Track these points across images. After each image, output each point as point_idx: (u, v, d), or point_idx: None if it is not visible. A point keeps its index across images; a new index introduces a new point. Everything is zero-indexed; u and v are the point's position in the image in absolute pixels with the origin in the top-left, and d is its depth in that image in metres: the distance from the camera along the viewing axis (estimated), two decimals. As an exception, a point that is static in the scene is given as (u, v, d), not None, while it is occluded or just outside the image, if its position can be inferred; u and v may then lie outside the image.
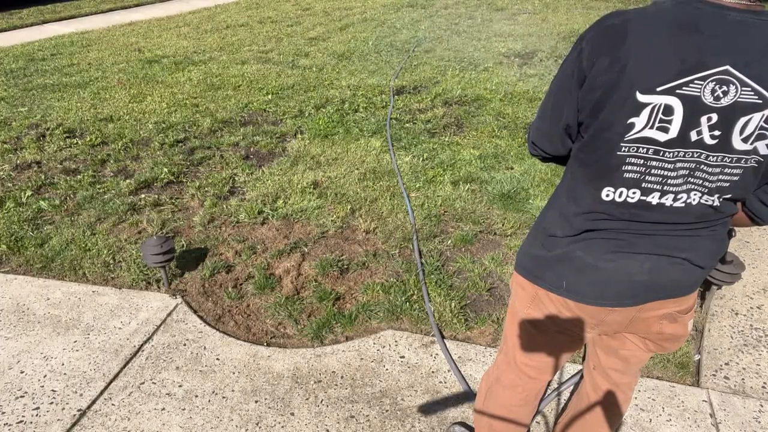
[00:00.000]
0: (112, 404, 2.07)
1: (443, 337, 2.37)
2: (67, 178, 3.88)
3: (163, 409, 2.04)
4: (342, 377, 2.17)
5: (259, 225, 3.27)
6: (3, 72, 6.57)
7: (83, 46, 7.91)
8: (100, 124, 4.86)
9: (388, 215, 3.31)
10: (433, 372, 2.19)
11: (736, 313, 2.46)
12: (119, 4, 11.70)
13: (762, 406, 2.00)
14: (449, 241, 3.05)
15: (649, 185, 1.10)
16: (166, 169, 3.92)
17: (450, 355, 2.25)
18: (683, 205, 1.11)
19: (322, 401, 2.06)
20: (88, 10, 11.01)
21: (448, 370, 2.19)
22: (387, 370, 2.21)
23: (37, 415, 2.02)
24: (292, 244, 3.06)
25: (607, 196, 1.14)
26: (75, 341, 2.38)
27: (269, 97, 5.53)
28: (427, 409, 2.02)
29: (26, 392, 2.12)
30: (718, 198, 1.12)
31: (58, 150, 4.35)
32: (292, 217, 3.33)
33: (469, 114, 4.93)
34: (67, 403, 2.07)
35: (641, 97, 1.03)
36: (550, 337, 1.37)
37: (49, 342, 2.38)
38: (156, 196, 3.61)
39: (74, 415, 2.02)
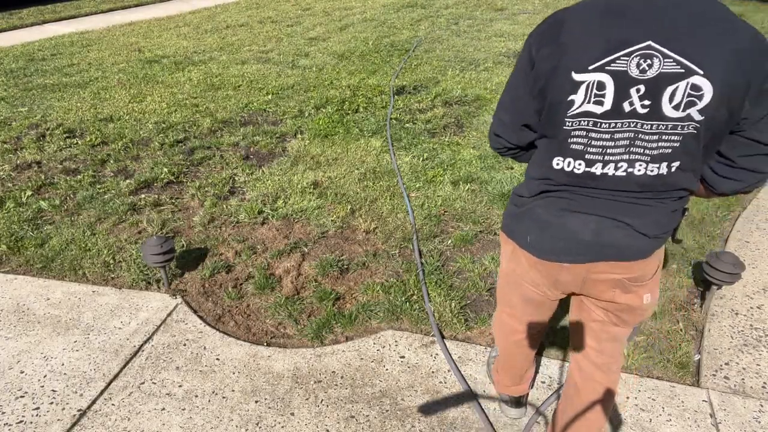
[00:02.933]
0: (112, 404, 2.07)
1: (443, 337, 2.37)
2: (67, 178, 3.88)
3: (163, 409, 2.04)
4: (342, 377, 2.17)
5: (259, 225, 3.27)
6: (3, 72, 6.57)
7: (83, 46, 7.92)
8: (100, 124, 4.86)
9: (388, 215, 3.31)
10: (433, 372, 2.19)
11: (736, 313, 2.46)
12: (119, 4, 11.71)
13: (762, 406, 2.00)
14: (449, 241, 3.05)
15: (592, 156, 1.23)
16: (166, 169, 3.92)
17: (450, 355, 2.25)
18: (624, 174, 1.23)
19: (322, 401, 2.06)
20: (88, 10, 11.01)
21: (448, 370, 2.19)
22: (387, 370, 2.20)
23: (37, 415, 2.02)
24: (292, 244, 3.06)
25: (558, 165, 1.29)
26: (75, 341, 2.38)
27: (269, 97, 5.53)
28: (427, 409, 2.02)
29: (26, 392, 2.12)
30: (666, 166, 1.21)
31: (58, 150, 4.35)
32: (292, 217, 3.33)
33: (469, 114, 4.93)
34: (67, 403, 2.07)
35: (576, 77, 1.17)
36: (524, 289, 1.55)
37: (49, 342, 2.38)
38: (156, 196, 3.61)
39: (74, 415, 2.02)
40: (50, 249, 3.04)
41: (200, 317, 2.54)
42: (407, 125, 4.69)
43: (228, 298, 2.67)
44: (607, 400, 1.60)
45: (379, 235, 3.12)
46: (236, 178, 3.84)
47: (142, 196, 3.62)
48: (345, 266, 2.87)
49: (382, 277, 2.78)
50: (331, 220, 3.27)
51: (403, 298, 2.59)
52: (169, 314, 2.54)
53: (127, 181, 3.81)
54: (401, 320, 2.49)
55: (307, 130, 4.63)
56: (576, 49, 1.17)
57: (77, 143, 4.47)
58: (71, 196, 3.64)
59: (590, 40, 1.16)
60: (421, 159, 4.02)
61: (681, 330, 2.38)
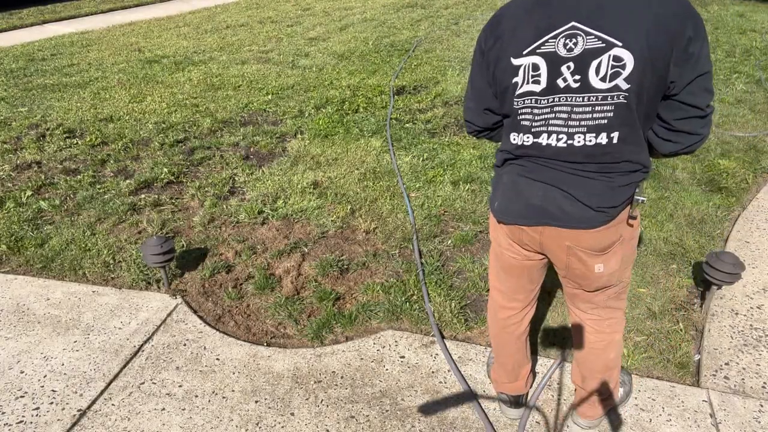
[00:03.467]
0: (112, 404, 2.07)
1: (443, 337, 2.37)
2: (67, 178, 3.88)
3: (163, 409, 2.04)
4: (342, 377, 2.17)
5: (259, 225, 3.27)
6: (3, 72, 6.57)
7: (83, 46, 7.91)
8: (100, 124, 4.86)
9: (388, 215, 3.31)
10: (433, 372, 2.19)
11: (736, 313, 2.46)
12: (119, 4, 11.70)
13: (762, 406, 2.00)
14: (449, 241, 3.05)
15: (537, 129, 1.38)
16: (166, 169, 3.93)
17: (450, 355, 2.25)
18: (565, 145, 1.35)
19: (322, 401, 2.06)
20: (88, 10, 11.01)
21: (448, 370, 2.19)
22: (387, 370, 2.21)
23: (37, 415, 2.02)
24: (292, 244, 3.06)
25: (514, 140, 1.45)
26: (75, 341, 2.38)
27: (269, 97, 5.53)
28: (427, 409, 2.02)
29: (26, 392, 2.12)
30: (606, 137, 1.31)
31: (58, 150, 4.35)
32: (292, 217, 3.33)
33: (469, 114, 4.92)
34: (67, 403, 2.07)
35: (514, 61, 1.33)
36: (504, 258, 1.67)
37: (49, 342, 2.38)
38: (156, 196, 3.61)
39: (74, 415, 2.02)
40: (50, 249, 3.04)
41: (200, 317, 2.54)
42: (407, 125, 4.69)
43: (228, 298, 2.67)
44: (602, 350, 1.74)
45: (379, 235, 3.13)
46: (236, 178, 3.84)
47: (142, 196, 3.62)
48: (345, 266, 2.87)
49: (382, 277, 2.78)
50: (331, 220, 3.27)
51: (403, 298, 2.59)
52: (169, 314, 2.54)
53: (127, 181, 3.81)
54: (401, 320, 2.49)
55: (307, 130, 4.63)
56: (511, 37, 1.33)
57: (77, 143, 4.47)
58: (71, 196, 3.64)
59: (523, 29, 1.31)
60: (421, 159, 4.02)
61: (681, 330, 2.38)
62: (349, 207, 3.40)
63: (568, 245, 1.46)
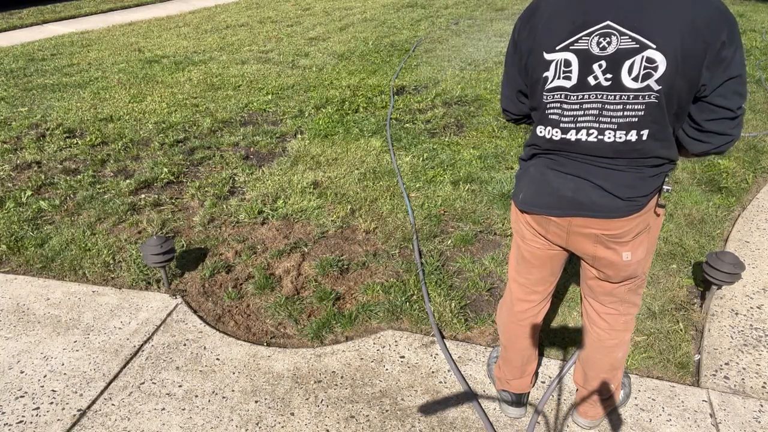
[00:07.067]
0: (112, 404, 2.07)
1: (443, 337, 2.37)
2: (67, 178, 3.88)
3: (163, 409, 2.04)
4: (342, 377, 2.17)
5: (259, 225, 3.27)
6: (3, 72, 6.57)
7: (83, 46, 7.91)
8: (100, 124, 4.86)
9: (388, 215, 3.31)
10: (433, 372, 2.19)
11: (736, 313, 2.46)
12: (119, 4, 11.70)
13: (762, 406, 2.00)
14: (449, 241, 3.05)
15: (566, 125, 1.39)
16: (166, 169, 3.92)
17: (450, 355, 2.25)
18: (596, 140, 1.37)
19: (322, 401, 2.06)
20: (88, 10, 11.00)
21: (448, 370, 2.19)
22: (387, 370, 2.20)
23: (37, 415, 2.02)
24: (292, 244, 3.06)
25: (540, 132, 1.47)
26: (75, 341, 2.38)
27: (269, 97, 5.53)
28: (427, 409, 2.02)
29: (26, 392, 2.12)
30: (636, 134, 1.33)
31: (58, 150, 4.35)
32: (292, 217, 3.33)
33: (469, 114, 4.93)
34: (67, 403, 2.07)
35: (546, 56, 1.34)
36: (525, 247, 1.68)
37: (49, 342, 2.38)
38: (156, 196, 3.61)
39: (74, 415, 2.02)
40: (50, 249, 3.04)
41: (200, 317, 2.54)
42: (407, 125, 4.69)
43: (228, 298, 2.67)
44: (612, 348, 1.76)
45: (379, 235, 3.12)
46: (236, 178, 3.84)
47: (142, 196, 3.62)
48: (345, 266, 2.86)
49: (382, 277, 2.78)
50: (331, 220, 3.27)
51: (403, 298, 2.59)
52: (169, 314, 2.54)
53: (127, 181, 3.81)
54: (401, 320, 2.49)
55: (307, 130, 4.63)
56: (545, 31, 1.33)
57: (77, 143, 4.47)
58: (71, 196, 3.64)
59: (557, 23, 1.31)
60: (421, 159, 4.02)
61: (681, 330, 2.38)
62: (349, 207, 3.40)
63: (596, 233, 1.48)
